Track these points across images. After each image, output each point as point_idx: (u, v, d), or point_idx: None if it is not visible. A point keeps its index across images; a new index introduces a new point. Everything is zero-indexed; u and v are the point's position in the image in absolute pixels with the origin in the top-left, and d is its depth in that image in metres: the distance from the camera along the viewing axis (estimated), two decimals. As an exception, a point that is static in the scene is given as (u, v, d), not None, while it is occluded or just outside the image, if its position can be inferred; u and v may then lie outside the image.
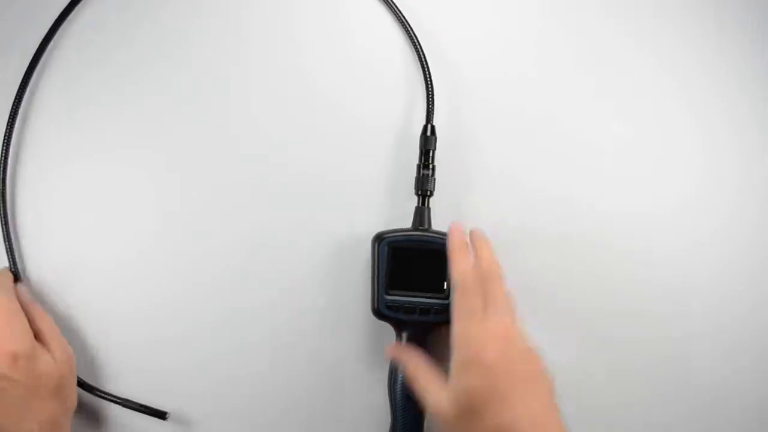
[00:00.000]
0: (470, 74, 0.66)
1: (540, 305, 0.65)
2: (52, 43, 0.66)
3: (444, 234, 0.60)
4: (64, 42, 0.66)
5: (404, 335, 0.61)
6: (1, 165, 0.65)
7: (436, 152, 0.63)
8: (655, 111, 0.66)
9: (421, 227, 0.62)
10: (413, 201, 0.63)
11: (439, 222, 0.63)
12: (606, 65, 0.66)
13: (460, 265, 0.57)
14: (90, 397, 0.64)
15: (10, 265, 0.64)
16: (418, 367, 0.57)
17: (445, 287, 0.60)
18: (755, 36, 0.66)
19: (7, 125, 0.65)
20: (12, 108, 0.65)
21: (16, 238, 0.65)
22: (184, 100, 0.66)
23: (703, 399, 0.65)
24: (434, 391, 0.54)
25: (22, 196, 0.66)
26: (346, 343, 0.65)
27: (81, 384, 0.63)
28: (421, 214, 0.62)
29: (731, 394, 0.65)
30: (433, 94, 0.64)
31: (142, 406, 0.63)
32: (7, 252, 0.65)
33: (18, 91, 0.65)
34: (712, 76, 0.66)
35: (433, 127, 0.63)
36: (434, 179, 0.62)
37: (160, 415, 0.63)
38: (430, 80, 0.64)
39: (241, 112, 0.66)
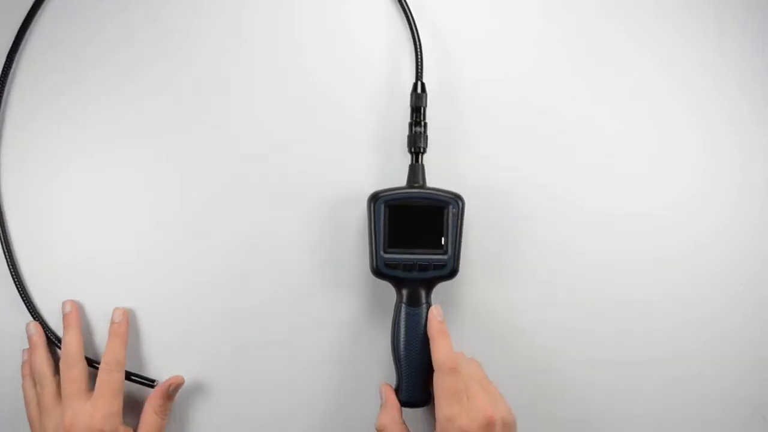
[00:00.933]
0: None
1: (537, 298, 0.66)
2: (50, 42, 0.66)
3: (440, 190, 0.61)
4: (65, 42, 0.66)
5: (404, 293, 0.61)
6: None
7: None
8: (655, 111, 0.66)
9: (416, 184, 0.62)
10: (406, 160, 0.63)
11: (432, 179, 0.63)
12: (606, 65, 0.66)
13: (443, 348, 0.58)
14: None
15: (7, 263, 0.64)
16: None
17: (443, 243, 0.60)
18: (756, 36, 0.66)
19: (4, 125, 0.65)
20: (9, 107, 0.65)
21: (15, 237, 0.65)
22: (184, 100, 0.66)
23: (703, 398, 0.66)
24: None
25: (22, 196, 0.66)
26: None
27: None
28: (416, 171, 0.62)
29: (732, 394, 0.66)
30: (421, 51, 0.63)
31: (130, 373, 0.63)
32: (3, 252, 0.65)
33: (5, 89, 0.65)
34: (713, 76, 0.66)
35: (423, 84, 0.63)
36: (426, 136, 0.63)
37: (149, 382, 0.64)
38: (418, 37, 0.64)
39: (240, 110, 0.66)
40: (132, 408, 0.64)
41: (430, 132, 0.63)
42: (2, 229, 0.65)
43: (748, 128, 0.66)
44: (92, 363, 0.63)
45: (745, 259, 0.66)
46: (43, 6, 0.66)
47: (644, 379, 0.66)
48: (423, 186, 0.62)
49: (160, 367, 0.65)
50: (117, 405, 0.60)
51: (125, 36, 0.66)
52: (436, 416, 0.57)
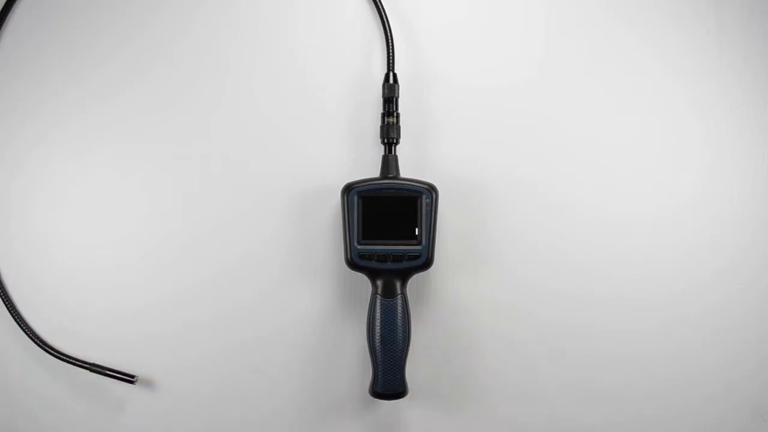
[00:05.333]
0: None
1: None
2: (50, 43, 0.67)
3: (413, 180, 0.61)
4: (65, 43, 0.67)
5: (379, 284, 0.61)
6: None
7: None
8: (656, 111, 0.65)
9: (390, 175, 0.62)
10: (379, 151, 0.63)
11: (405, 171, 0.63)
12: (608, 64, 0.66)
13: None
14: (60, 366, 0.65)
15: None
16: None
17: (417, 233, 0.60)
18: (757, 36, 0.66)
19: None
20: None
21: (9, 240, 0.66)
22: (175, 100, 0.66)
23: (703, 398, 0.65)
24: None
25: (18, 198, 0.66)
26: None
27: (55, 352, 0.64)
28: (389, 162, 0.62)
29: (732, 393, 0.65)
30: (393, 42, 0.64)
31: (110, 370, 0.63)
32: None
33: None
34: (714, 76, 0.66)
35: (395, 75, 0.63)
36: (399, 127, 0.63)
37: (129, 378, 0.63)
38: (390, 28, 0.64)
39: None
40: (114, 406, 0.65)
41: (403, 123, 0.63)
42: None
43: (749, 129, 0.65)
44: (94, 367, 0.64)
45: (744, 258, 0.65)
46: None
47: (645, 375, 0.64)
48: (396, 177, 0.62)
49: (137, 368, 0.65)
50: None
51: (125, 37, 0.66)
52: None
